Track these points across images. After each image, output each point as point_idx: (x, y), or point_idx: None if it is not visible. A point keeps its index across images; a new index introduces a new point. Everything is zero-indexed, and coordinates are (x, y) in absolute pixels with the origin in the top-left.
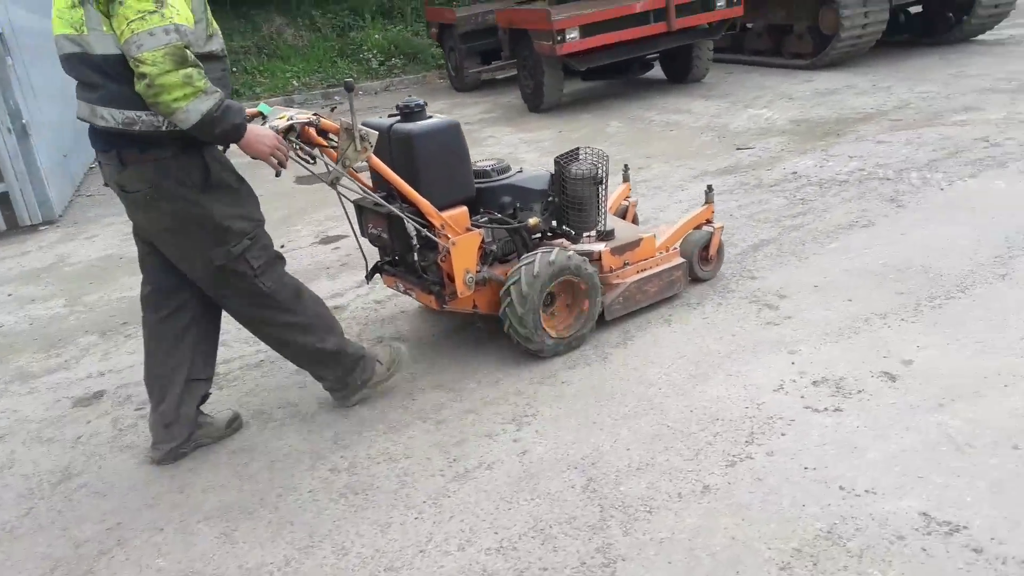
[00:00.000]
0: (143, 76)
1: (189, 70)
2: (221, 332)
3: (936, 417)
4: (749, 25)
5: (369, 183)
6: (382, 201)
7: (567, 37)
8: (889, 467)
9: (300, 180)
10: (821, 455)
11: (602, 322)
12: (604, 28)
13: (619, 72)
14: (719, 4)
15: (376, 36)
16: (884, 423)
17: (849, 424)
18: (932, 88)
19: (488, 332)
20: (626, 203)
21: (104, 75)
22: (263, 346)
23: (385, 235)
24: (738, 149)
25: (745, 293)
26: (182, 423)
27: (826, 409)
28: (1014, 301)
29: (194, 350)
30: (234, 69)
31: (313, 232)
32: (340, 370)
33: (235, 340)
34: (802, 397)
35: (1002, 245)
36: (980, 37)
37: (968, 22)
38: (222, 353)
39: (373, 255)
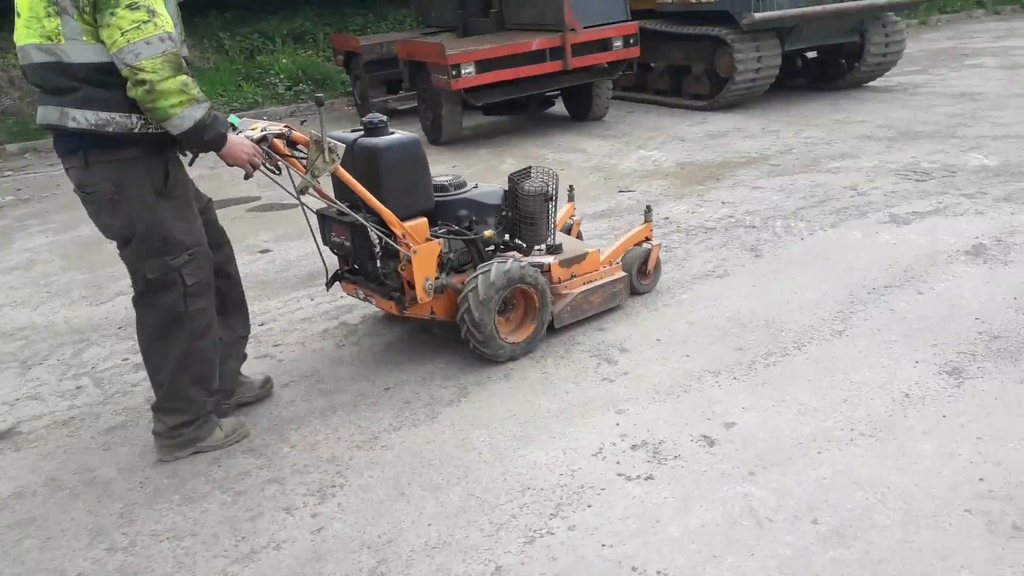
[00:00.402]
0: (142, 83)
1: (184, 77)
2: (37, 384)
3: (744, 487)
4: (653, 65)
5: (331, 195)
6: (347, 210)
7: (463, 72)
8: (686, 545)
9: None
10: (622, 530)
11: (552, 330)
12: (500, 64)
13: (519, 108)
14: (616, 45)
15: (284, 61)
16: (692, 494)
17: (657, 495)
18: (817, 133)
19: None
20: (571, 221)
21: (79, 80)
22: (78, 400)
23: (348, 243)
24: (620, 192)
25: (590, 346)
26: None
27: (639, 477)
28: (845, 360)
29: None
30: None
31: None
32: (181, 418)
33: (50, 394)
34: (618, 463)
35: (846, 299)
36: (871, 84)
37: (858, 69)
38: (31, 408)
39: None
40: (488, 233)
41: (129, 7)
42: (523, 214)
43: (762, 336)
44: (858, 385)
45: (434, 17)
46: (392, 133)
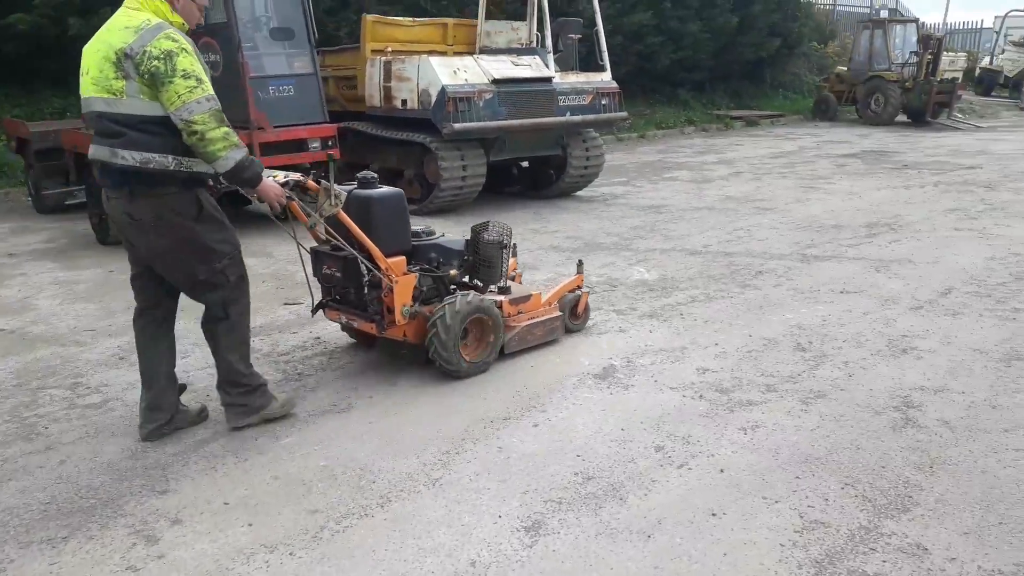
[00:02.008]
0: (195, 132)
1: (226, 128)
2: None
3: None
4: (369, 166)
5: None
6: (345, 245)
7: None
8: None
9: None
10: None
11: (502, 354)
12: None
13: None
14: (313, 146)
15: None
16: None
17: None
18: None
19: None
20: (513, 273)
21: (130, 127)
22: None
23: (338, 274)
24: (285, 305)
25: (139, 517)
26: (165, 409)
27: None
28: (426, 519)
29: (169, 353)
30: None
31: None
32: (244, 389)
33: None
34: None
35: (459, 437)
36: (578, 193)
37: (563, 180)
38: None
39: None
40: (453, 272)
41: (183, 76)
42: (482, 258)
43: (349, 491)
44: (426, 553)
45: None
46: (380, 187)
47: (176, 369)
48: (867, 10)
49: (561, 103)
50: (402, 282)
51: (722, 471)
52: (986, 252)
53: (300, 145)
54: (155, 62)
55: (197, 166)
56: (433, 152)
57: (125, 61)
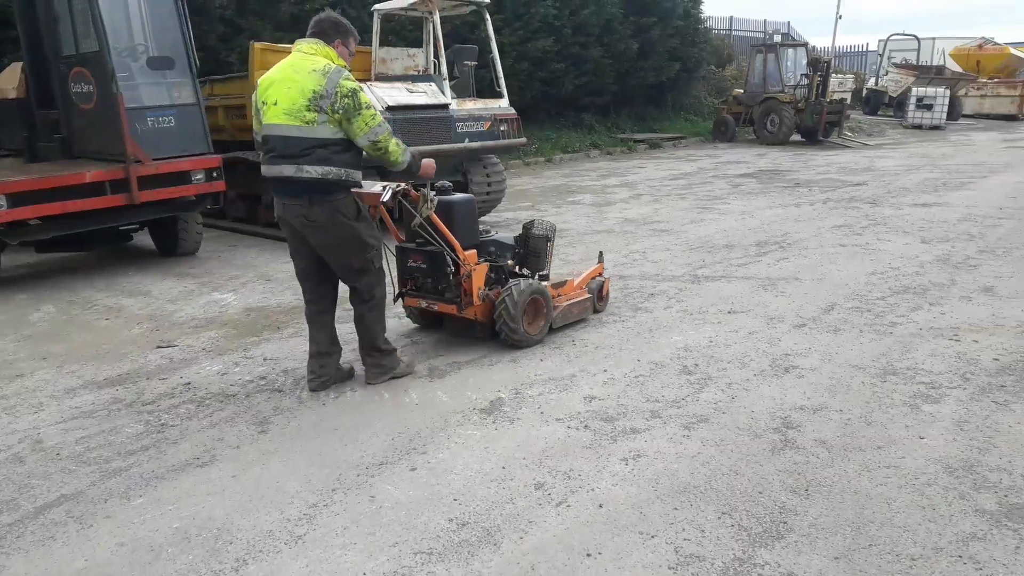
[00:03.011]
0: (380, 148)
1: (397, 139)
2: None
3: None
4: (263, 197)
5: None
6: (436, 241)
7: None
8: None
9: None
10: None
11: (550, 330)
12: (44, 198)
13: (84, 244)
14: (197, 178)
15: None
16: None
17: None
18: None
19: None
20: (601, 279)
21: (316, 148)
22: None
23: (424, 266)
24: (159, 347)
25: None
26: (327, 367)
27: None
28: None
29: (331, 327)
30: None
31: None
32: (382, 354)
33: None
34: None
35: (328, 487)
36: (481, 219)
37: None
38: None
39: None
40: (509, 262)
41: (366, 108)
42: (531, 250)
43: (202, 555)
44: None
45: (3, 139)
46: (456, 195)
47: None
48: (761, 34)
49: (459, 130)
50: (478, 270)
51: (601, 506)
52: (868, 267)
53: (183, 177)
54: (345, 100)
55: (355, 176)
56: None
57: (320, 100)
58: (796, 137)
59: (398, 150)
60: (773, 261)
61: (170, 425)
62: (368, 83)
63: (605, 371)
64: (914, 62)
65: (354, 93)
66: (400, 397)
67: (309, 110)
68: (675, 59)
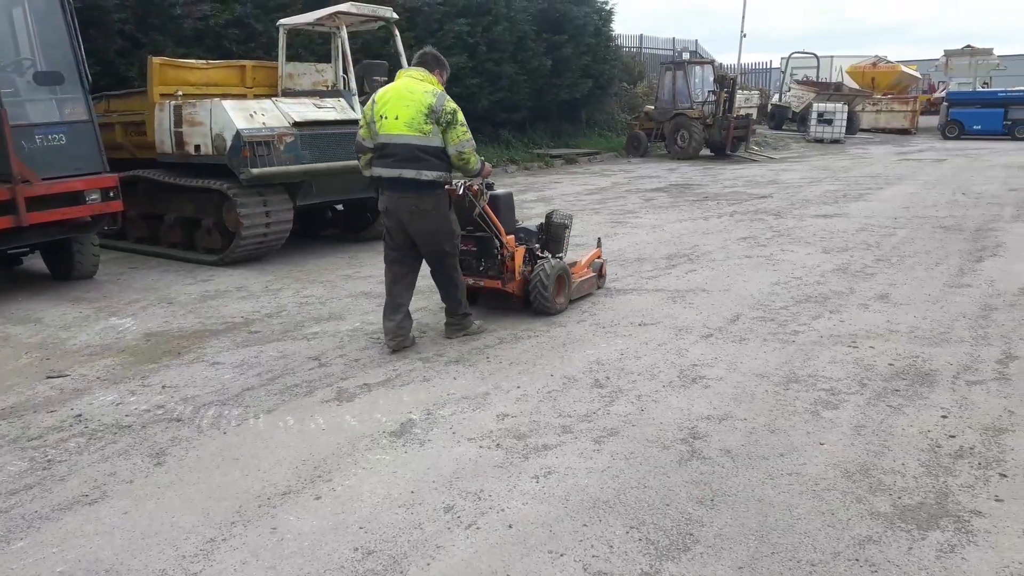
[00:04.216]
0: (464, 158)
1: (475, 152)
2: None
3: None
4: (165, 216)
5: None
6: (490, 227)
7: None
8: None
9: None
10: None
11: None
12: None
13: None
14: (92, 198)
15: None
16: None
17: None
18: (317, 292)
19: None
20: (600, 261)
21: (429, 155)
22: None
23: (474, 249)
24: (48, 377)
25: None
26: (404, 331)
27: None
28: None
29: (409, 292)
30: None
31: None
32: (461, 316)
33: None
34: None
35: (227, 520)
36: None
37: (378, 222)
38: None
39: None
40: (537, 247)
41: (461, 125)
42: (552, 235)
43: None
44: None
45: None
46: (500, 190)
47: None
48: (670, 52)
49: None
50: (519, 252)
51: (511, 526)
52: (772, 277)
53: (76, 198)
54: (448, 115)
55: (449, 177)
56: (232, 199)
57: (432, 114)
58: (706, 152)
59: (475, 160)
60: (682, 273)
61: (57, 461)
62: (273, 99)
63: (518, 387)
64: (814, 79)
65: (455, 112)
66: (306, 423)
67: (427, 123)
68: (588, 76)
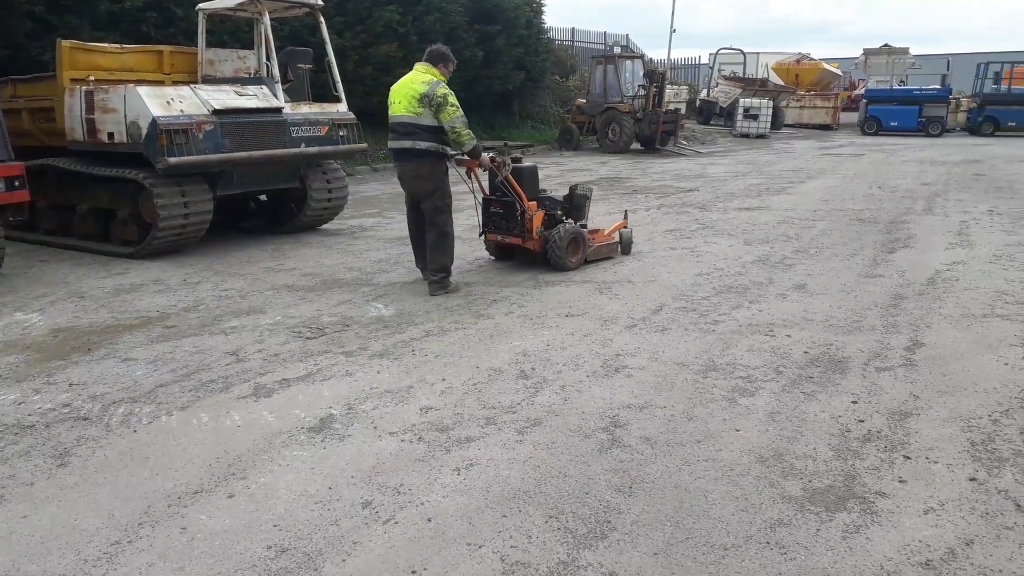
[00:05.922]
0: (456, 132)
1: (469, 130)
2: None
3: None
4: (77, 207)
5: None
6: (512, 193)
7: None
8: None
9: None
10: None
11: (585, 262)
12: None
13: None
14: None
15: None
16: None
17: None
18: (238, 285)
19: None
20: (625, 230)
21: (422, 130)
22: None
23: (501, 211)
24: None
25: None
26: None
27: None
28: None
29: (425, 242)
30: None
31: None
32: (444, 275)
33: None
34: None
35: (135, 521)
36: (325, 227)
37: (304, 213)
38: None
39: None
40: (559, 213)
41: (452, 106)
42: (574, 205)
43: None
44: None
45: None
46: (525, 163)
47: None
48: (602, 46)
49: (294, 134)
50: (537, 215)
51: (430, 520)
52: (695, 269)
53: None
54: (439, 99)
55: (445, 149)
56: (148, 189)
57: (424, 99)
58: (636, 146)
59: (468, 137)
60: (609, 265)
61: None
62: (192, 86)
63: (443, 380)
64: (741, 75)
65: (446, 95)
66: (221, 420)
67: (419, 106)
68: (520, 68)
